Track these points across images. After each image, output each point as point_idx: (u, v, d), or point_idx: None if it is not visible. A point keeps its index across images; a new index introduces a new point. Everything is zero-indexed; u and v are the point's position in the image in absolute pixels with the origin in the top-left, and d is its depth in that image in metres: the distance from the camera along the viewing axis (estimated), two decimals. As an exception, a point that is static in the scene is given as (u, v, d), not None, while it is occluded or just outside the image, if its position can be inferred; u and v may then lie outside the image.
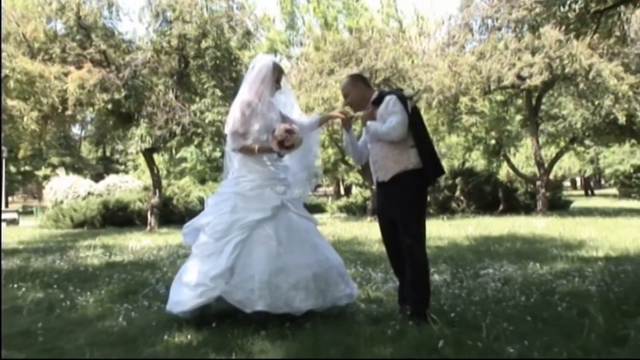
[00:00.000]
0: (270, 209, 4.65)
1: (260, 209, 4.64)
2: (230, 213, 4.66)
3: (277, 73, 4.90)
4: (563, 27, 8.39)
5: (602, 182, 65.25)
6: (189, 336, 4.25)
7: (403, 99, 4.73)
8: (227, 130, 4.82)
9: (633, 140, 23.97)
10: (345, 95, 5.06)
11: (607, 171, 47.76)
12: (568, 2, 7.84)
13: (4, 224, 24.78)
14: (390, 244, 4.92)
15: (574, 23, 8.04)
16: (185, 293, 4.57)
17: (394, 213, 4.75)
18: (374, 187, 5.47)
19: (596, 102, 20.71)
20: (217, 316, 4.53)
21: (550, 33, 17.99)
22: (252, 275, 4.43)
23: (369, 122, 4.81)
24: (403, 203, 4.68)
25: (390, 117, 4.65)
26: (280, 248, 4.54)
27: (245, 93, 4.80)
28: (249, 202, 4.68)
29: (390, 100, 4.71)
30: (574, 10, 7.87)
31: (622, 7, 8.03)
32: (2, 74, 13.29)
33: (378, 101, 4.81)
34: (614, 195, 48.45)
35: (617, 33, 8.72)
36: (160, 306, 5.31)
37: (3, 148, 31.19)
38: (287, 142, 4.64)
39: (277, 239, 4.57)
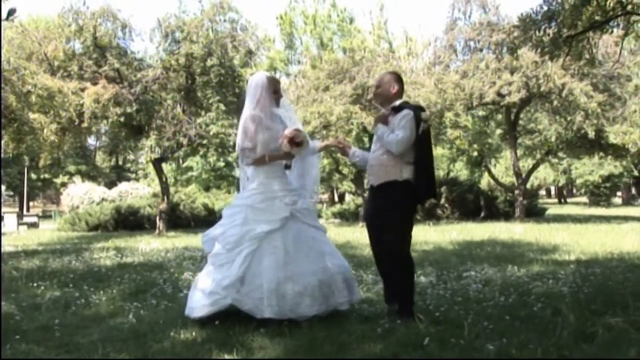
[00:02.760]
0: (278, 220, 4.58)
1: (269, 220, 4.58)
2: (241, 225, 4.61)
3: (273, 85, 4.85)
4: (538, 50, 8.40)
5: (574, 191, 65.31)
6: (193, 333, 4.24)
7: (419, 119, 4.63)
8: (237, 147, 4.78)
9: (601, 153, 24.03)
10: (377, 85, 4.91)
11: (579, 181, 48.03)
12: (543, 27, 7.90)
13: (25, 227, 24.74)
14: (376, 246, 4.83)
15: (549, 46, 8.08)
16: (200, 300, 4.56)
17: (380, 218, 4.70)
18: (365, 194, 5.46)
19: (568, 118, 20.83)
20: (220, 315, 4.51)
21: (527, 55, 18.07)
22: (260, 285, 4.39)
23: (379, 125, 4.72)
24: (388, 210, 4.63)
25: (398, 130, 4.58)
26: (288, 257, 4.49)
27: (249, 109, 4.77)
28: (259, 214, 4.63)
29: (407, 115, 4.60)
30: (548, 35, 7.93)
31: (591, 33, 8.11)
32: (25, 89, 13.29)
33: (398, 109, 4.70)
34: (585, 203, 48.66)
35: (587, 56, 8.77)
36: (168, 305, 5.32)
37: (25, 157, 31.20)
38: (297, 138, 4.60)
39: (285, 249, 4.51)
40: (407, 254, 4.73)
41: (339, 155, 20.47)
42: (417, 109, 4.76)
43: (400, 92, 4.86)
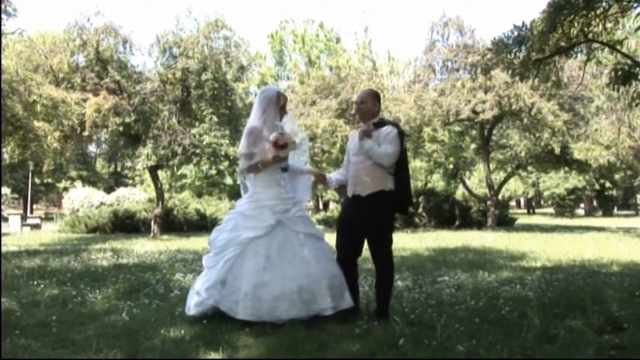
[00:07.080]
0: (263, 227, 4.53)
1: (255, 227, 4.54)
2: (230, 231, 4.61)
3: (281, 100, 4.86)
4: (510, 71, 8.50)
5: (542, 202, 65.75)
6: (182, 331, 4.20)
7: (402, 134, 4.70)
8: (238, 153, 4.80)
9: (566, 168, 24.31)
10: (361, 102, 4.82)
11: (546, 193, 48.47)
12: (514, 50, 8.01)
13: (28, 228, 24.46)
14: (349, 253, 4.74)
15: (519, 68, 8.18)
16: (192, 300, 4.58)
17: (367, 227, 4.63)
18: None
19: (537, 135, 21.10)
20: (207, 314, 4.49)
21: (500, 75, 18.26)
22: (238, 288, 4.36)
23: (366, 139, 4.64)
24: (378, 218, 4.61)
25: (385, 144, 4.57)
26: (268, 263, 4.42)
27: (254, 119, 4.77)
28: (248, 221, 4.60)
29: (392, 131, 4.63)
30: (519, 58, 8.04)
31: (557, 57, 8.24)
32: (31, 99, 13.24)
33: (379, 125, 4.71)
34: (551, 214, 49.08)
35: (553, 78, 8.92)
36: (159, 304, 5.28)
37: (29, 163, 30.92)
38: (280, 141, 4.55)
39: (266, 255, 4.45)
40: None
41: (323, 165, 20.60)
42: (397, 126, 4.82)
43: (379, 110, 4.89)
